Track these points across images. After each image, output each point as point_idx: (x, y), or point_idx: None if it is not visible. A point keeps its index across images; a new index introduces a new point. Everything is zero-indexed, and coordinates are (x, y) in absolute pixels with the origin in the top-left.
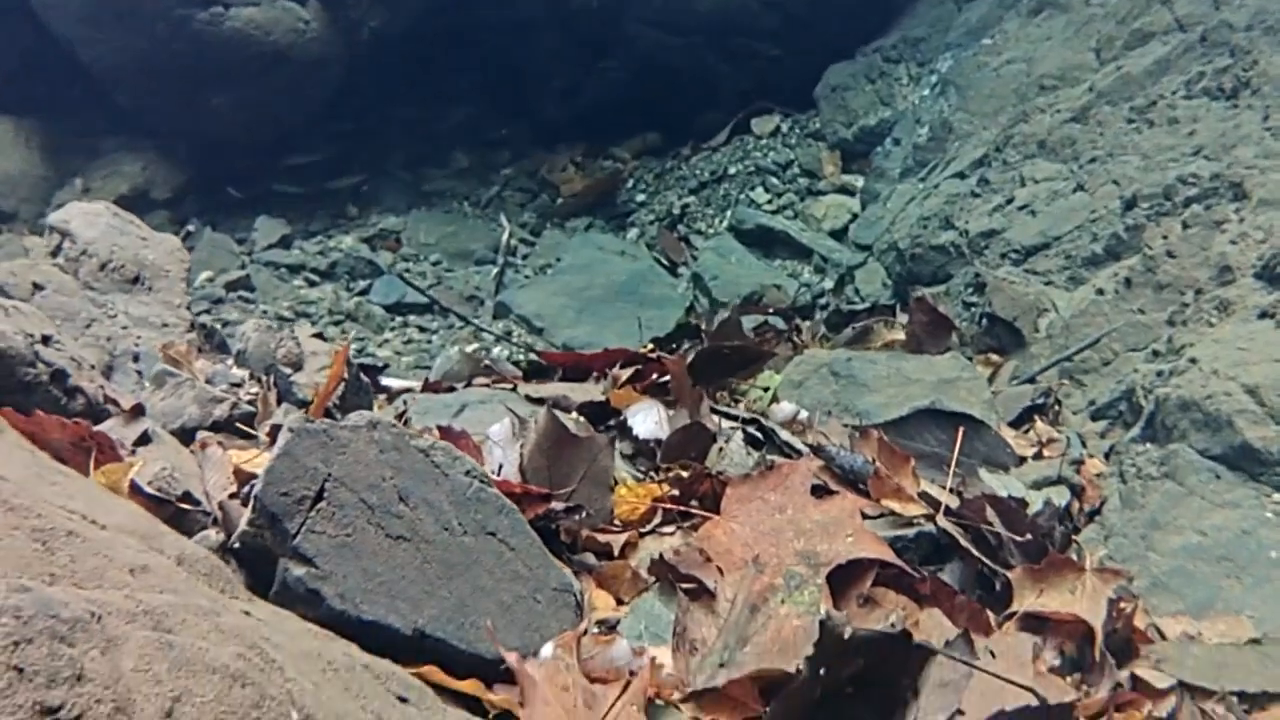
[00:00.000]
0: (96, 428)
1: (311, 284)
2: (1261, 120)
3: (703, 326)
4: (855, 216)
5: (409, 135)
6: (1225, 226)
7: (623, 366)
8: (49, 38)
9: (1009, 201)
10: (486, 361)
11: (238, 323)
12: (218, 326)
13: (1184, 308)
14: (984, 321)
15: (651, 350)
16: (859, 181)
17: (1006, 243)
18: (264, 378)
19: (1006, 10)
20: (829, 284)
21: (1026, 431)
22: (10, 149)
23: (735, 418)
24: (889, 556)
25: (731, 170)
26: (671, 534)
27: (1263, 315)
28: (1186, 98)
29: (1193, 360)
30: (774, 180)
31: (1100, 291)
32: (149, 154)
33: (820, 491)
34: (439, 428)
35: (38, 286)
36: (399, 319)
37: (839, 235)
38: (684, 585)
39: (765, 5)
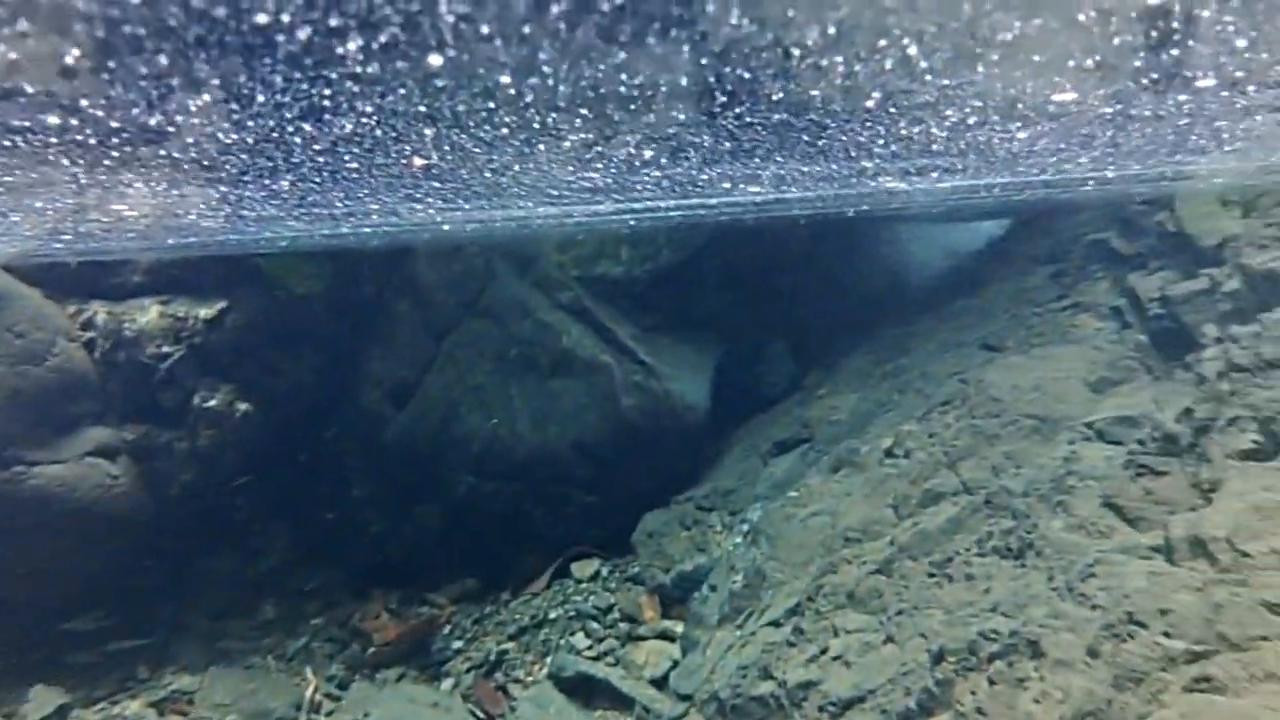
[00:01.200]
0: None
1: None
2: (1047, 580)
3: None
4: (676, 663)
5: (213, 587)
6: (1028, 684)
7: None
8: None
9: (823, 651)
10: None
11: None
12: None
13: None
14: None
15: None
16: (679, 627)
17: (824, 694)
18: None
19: (809, 467)
20: None
21: None
22: None
23: None
24: None
25: (552, 615)
26: None
27: None
28: (980, 555)
29: None
30: (595, 625)
31: None
32: None
33: None
34: None
35: None
36: None
37: (660, 683)
38: None
39: (580, 454)
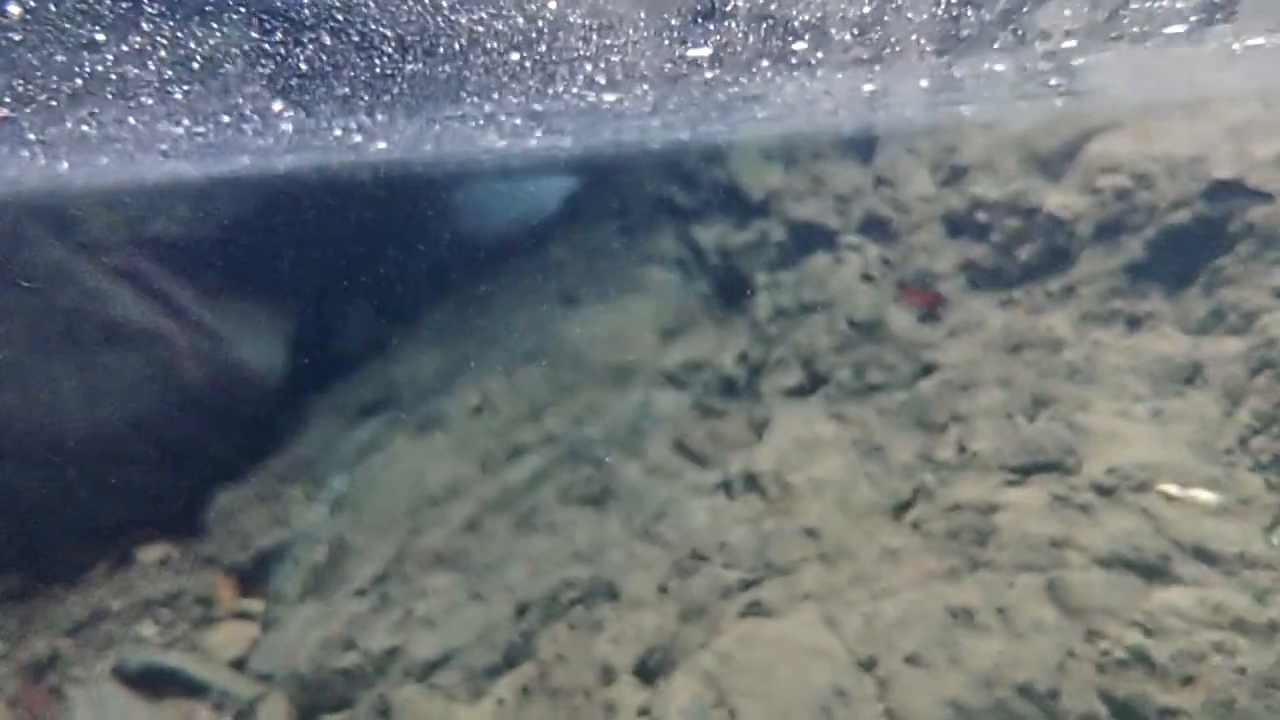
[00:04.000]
0: None
1: None
2: (624, 524)
3: None
4: (256, 643)
5: None
6: (605, 626)
7: None
8: None
9: (409, 615)
10: None
11: None
12: None
13: (576, 711)
14: None
15: None
16: (259, 606)
17: (410, 659)
18: None
19: (396, 429)
20: None
21: None
22: None
23: None
24: None
25: (115, 607)
26: None
27: (641, 713)
28: (562, 504)
29: None
30: (164, 612)
31: (501, 702)
32: None
33: None
34: None
35: None
36: None
37: (240, 665)
38: None
39: (140, 432)
